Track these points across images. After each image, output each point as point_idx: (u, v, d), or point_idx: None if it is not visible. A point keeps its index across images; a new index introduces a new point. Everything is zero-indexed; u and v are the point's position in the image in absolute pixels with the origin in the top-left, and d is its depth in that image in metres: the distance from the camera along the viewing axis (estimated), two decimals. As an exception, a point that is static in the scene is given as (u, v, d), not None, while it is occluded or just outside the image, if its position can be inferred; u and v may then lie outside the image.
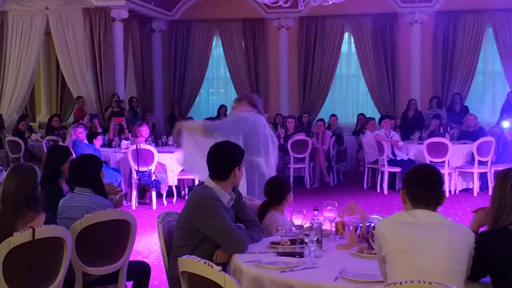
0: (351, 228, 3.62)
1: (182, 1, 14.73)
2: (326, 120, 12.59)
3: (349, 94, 14.82)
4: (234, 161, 3.77)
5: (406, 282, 2.41)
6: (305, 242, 3.35)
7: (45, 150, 9.84)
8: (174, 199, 9.48)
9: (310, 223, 3.48)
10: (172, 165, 9.22)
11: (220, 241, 3.57)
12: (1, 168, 5.96)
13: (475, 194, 9.84)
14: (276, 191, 4.31)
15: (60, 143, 9.95)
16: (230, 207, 3.77)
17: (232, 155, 3.80)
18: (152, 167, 9.03)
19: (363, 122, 12.40)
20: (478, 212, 3.17)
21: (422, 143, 10.08)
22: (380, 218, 3.66)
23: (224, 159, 3.77)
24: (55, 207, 4.11)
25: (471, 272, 2.74)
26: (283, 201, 4.31)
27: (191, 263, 2.84)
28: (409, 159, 10.07)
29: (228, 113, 13.64)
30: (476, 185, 9.91)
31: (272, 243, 3.62)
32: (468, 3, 13.29)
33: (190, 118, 12.93)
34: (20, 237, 3.36)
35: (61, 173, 4.59)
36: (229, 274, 2.93)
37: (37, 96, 15.63)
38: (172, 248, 3.80)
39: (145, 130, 9.59)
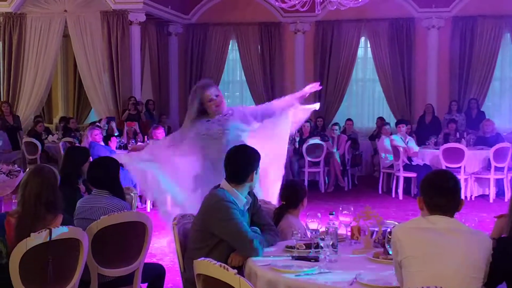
0: (366, 233, 3.61)
1: (199, 5, 14.78)
2: (342, 124, 12.56)
3: (365, 98, 14.76)
4: (252, 165, 3.78)
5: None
6: (321, 246, 3.34)
7: (62, 151, 9.92)
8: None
9: (326, 227, 3.47)
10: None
11: (235, 244, 3.57)
12: (19, 169, 6.00)
13: (491, 201, 9.76)
14: (293, 195, 4.32)
15: (76, 144, 10.03)
16: (245, 211, 3.78)
17: (251, 159, 3.80)
18: (168, 170, 9.04)
19: (380, 126, 12.36)
20: (501, 218, 3.13)
21: (438, 149, 10.02)
22: (396, 223, 3.65)
23: (243, 163, 3.77)
24: (73, 209, 4.14)
25: (488, 279, 2.72)
26: (299, 206, 4.32)
27: (207, 266, 2.85)
28: (424, 164, 10.01)
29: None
30: (492, 192, 9.83)
31: (287, 247, 3.62)
32: (485, 9, 13.19)
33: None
34: (37, 238, 3.38)
35: (81, 174, 4.62)
36: (244, 277, 2.94)
37: (54, 98, 15.75)
38: (187, 250, 3.81)
39: (160, 133, 9.65)
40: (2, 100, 12.95)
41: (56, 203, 3.61)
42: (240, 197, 3.72)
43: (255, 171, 3.78)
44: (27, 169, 3.85)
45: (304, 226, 3.83)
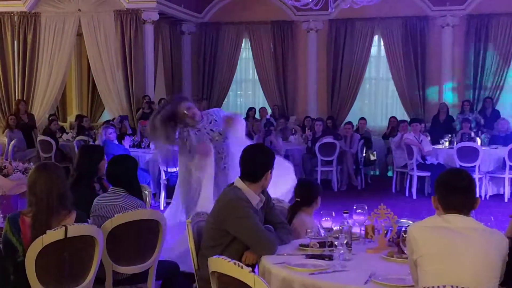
0: (380, 232, 3.60)
1: (211, 4, 14.80)
2: (355, 123, 12.51)
3: (378, 97, 14.70)
4: (267, 165, 3.79)
5: (438, 286, 2.39)
6: (335, 245, 3.34)
7: (76, 150, 9.97)
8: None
9: (340, 226, 3.47)
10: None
11: (249, 243, 3.58)
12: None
13: (506, 200, 9.69)
14: (308, 193, 4.33)
15: (91, 143, 10.08)
16: (259, 209, 3.78)
17: (266, 158, 3.81)
18: (181, 168, 9.06)
19: (395, 125, 12.29)
20: (516, 217, 3.12)
21: (452, 148, 9.97)
22: (411, 222, 3.63)
23: (258, 162, 3.78)
24: (89, 207, 4.16)
25: (504, 278, 2.71)
26: (313, 204, 4.32)
27: (222, 264, 2.85)
28: (438, 163, 9.96)
29: (257, 115, 13.65)
30: (507, 191, 9.76)
31: (301, 245, 3.62)
32: (500, 6, 13.07)
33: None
34: (53, 235, 3.41)
35: (97, 172, 4.64)
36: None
37: (68, 96, 15.84)
38: (201, 248, 3.82)
39: (174, 131, 9.63)
40: (18, 98, 13.05)
41: (67, 194, 3.61)
42: (253, 196, 3.73)
43: (270, 171, 3.78)
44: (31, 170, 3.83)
45: (318, 225, 3.83)
